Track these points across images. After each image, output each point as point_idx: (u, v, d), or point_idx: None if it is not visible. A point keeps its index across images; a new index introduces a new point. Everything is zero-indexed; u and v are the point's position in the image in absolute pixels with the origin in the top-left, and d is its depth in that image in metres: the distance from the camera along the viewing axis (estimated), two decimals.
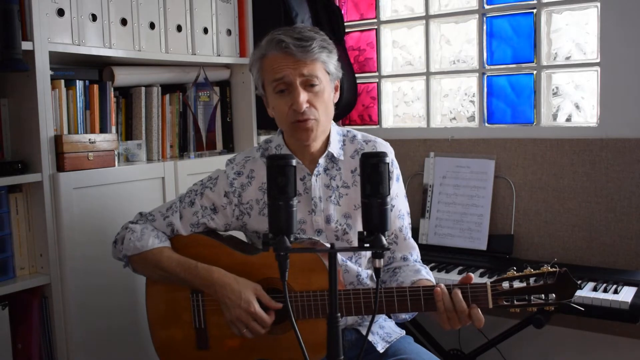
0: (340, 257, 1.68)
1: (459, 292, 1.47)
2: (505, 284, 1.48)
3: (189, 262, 1.65)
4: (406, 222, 1.78)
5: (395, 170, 1.78)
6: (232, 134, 2.79)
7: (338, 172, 1.72)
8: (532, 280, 1.46)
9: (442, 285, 1.49)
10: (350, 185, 1.72)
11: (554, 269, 1.45)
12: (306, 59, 1.59)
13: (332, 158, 1.72)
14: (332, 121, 1.75)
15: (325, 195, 1.71)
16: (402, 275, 1.68)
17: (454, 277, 2.37)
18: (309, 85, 1.61)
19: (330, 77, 1.66)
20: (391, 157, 1.77)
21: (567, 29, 2.66)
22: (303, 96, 1.59)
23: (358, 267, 1.72)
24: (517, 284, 1.47)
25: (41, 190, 1.94)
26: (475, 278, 2.33)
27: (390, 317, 1.81)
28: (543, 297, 1.46)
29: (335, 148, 1.72)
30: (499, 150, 2.70)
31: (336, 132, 1.75)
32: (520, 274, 1.47)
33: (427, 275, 1.68)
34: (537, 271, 1.46)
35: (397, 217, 1.76)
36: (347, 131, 1.79)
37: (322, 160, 1.71)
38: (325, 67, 1.64)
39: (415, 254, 1.78)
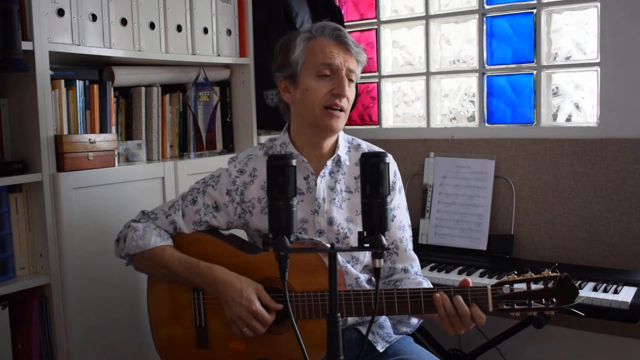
0: (340, 259, 1.69)
1: (460, 297, 1.47)
2: (506, 288, 1.48)
3: (191, 260, 1.66)
4: (407, 234, 1.78)
5: (398, 182, 1.79)
6: (232, 134, 2.79)
7: (343, 176, 1.73)
8: (532, 284, 1.46)
9: (442, 292, 1.49)
10: (353, 191, 1.73)
11: (554, 274, 1.45)
12: (353, 54, 1.66)
13: (338, 162, 1.73)
14: None
15: (329, 198, 1.71)
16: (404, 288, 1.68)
17: (454, 277, 2.37)
18: (349, 79, 1.66)
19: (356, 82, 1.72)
20: (394, 168, 1.79)
21: (567, 29, 2.66)
22: (347, 85, 1.64)
23: (357, 271, 1.72)
24: (517, 288, 1.47)
25: (41, 190, 1.94)
26: (475, 278, 2.34)
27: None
28: (543, 302, 1.45)
29: (342, 152, 1.74)
30: (499, 150, 2.70)
31: (343, 138, 1.77)
32: (521, 277, 1.47)
33: (429, 286, 1.68)
34: (538, 275, 1.45)
35: (397, 228, 1.76)
36: (352, 139, 1.81)
37: (329, 163, 1.72)
38: (358, 70, 1.70)
39: (416, 266, 1.78)
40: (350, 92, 1.67)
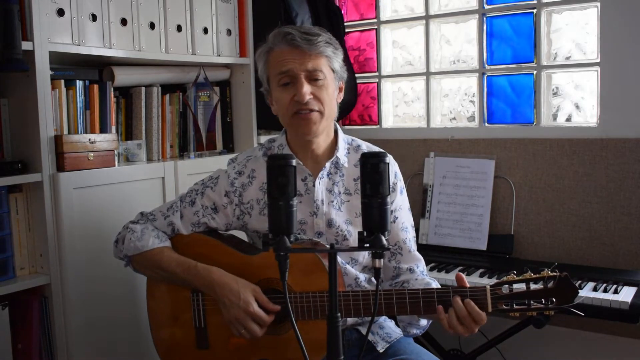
0: (339, 259, 1.68)
1: (458, 299, 1.47)
2: (505, 288, 1.48)
3: (189, 262, 1.65)
4: (410, 235, 1.77)
5: (399, 183, 1.78)
6: (232, 134, 2.79)
7: (341, 178, 1.73)
8: (532, 284, 1.46)
9: (440, 308, 1.49)
10: (352, 193, 1.72)
11: (554, 273, 1.44)
12: (312, 52, 1.61)
13: (336, 164, 1.72)
14: (339, 126, 1.76)
15: (328, 200, 1.71)
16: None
17: (454, 277, 2.37)
18: (313, 79, 1.62)
19: (335, 76, 1.67)
20: (395, 169, 1.78)
21: (567, 29, 2.66)
22: (306, 87, 1.60)
23: (356, 272, 1.72)
24: (516, 288, 1.47)
25: (41, 190, 1.94)
26: (475, 278, 2.34)
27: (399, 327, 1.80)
28: (543, 302, 1.45)
29: (341, 154, 1.73)
30: (499, 150, 2.70)
31: (343, 139, 1.76)
32: (520, 277, 1.46)
33: (436, 287, 1.67)
34: (537, 275, 1.45)
35: (400, 229, 1.75)
36: (352, 140, 1.80)
37: (328, 164, 1.71)
38: (330, 64, 1.65)
39: (422, 265, 1.77)
40: (322, 90, 1.63)
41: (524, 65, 2.72)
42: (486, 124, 2.83)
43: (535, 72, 2.69)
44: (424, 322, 1.71)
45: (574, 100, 2.69)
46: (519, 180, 2.67)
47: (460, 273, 1.53)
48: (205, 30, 2.53)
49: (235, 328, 1.58)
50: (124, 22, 2.21)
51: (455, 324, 1.48)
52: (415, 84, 3.08)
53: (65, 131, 2.06)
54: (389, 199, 1.19)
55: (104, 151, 2.11)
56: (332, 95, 1.67)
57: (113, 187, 2.13)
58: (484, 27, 2.79)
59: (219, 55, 2.60)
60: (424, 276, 1.75)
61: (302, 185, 1.70)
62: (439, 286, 1.69)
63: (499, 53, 2.79)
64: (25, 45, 1.87)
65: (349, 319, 1.68)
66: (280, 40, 1.63)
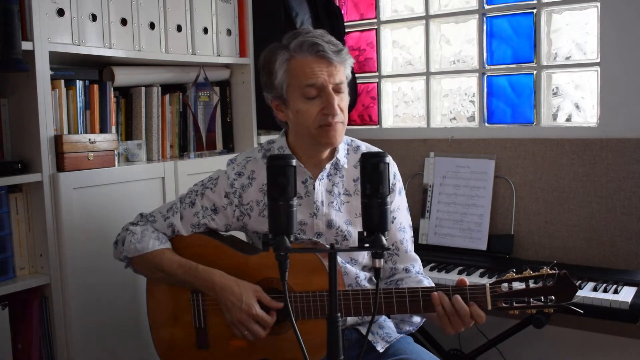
0: (339, 259, 1.68)
1: (459, 297, 1.47)
2: (504, 286, 1.48)
3: (190, 264, 1.65)
4: (407, 235, 1.78)
5: (398, 183, 1.78)
6: (232, 134, 2.79)
7: (341, 179, 1.73)
8: (531, 282, 1.46)
9: (440, 291, 1.49)
10: (351, 194, 1.72)
11: (553, 271, 1.45)
12: (337, 64, 1.60)
13: (336, 165, 1.72)
14: None
15: (328, 201, 1.71)
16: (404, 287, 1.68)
17: (454, 277, 2.37)
18: (337, 90, 1.61)
19: (347, 82, 1.68)
20: (394, 170, 1.78)
21: (567, 29, 2.66)
22: (337, 100, 1.60)
23: (357, 270, 1.72)
24: (516, 286, 1.47)
25: (41, 190, 1.94)
26: (475, 278, 2.34)
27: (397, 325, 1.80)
28: (542, 300, 1.45)
29: (341, 156, 1.73)
30: (499, 150, 2.70)
31: (342, 140, 1.75)
32: (520, 275, 1.47)
33: (430, 285, 1.68)
34: (537, 273, 1.45)
35: (397, 229, 1.75)
36: (352, 140, 1.80)
37: (328, 166, 1.71)
38: (346, 72, 1.66)
39: (418, 265, 1.78)
40: (343, 101, 1.63)
41: (524, 65, 2.72)
42: (486, 124, 2.83)
43: (535, 72, 2.69)
44: (417, 319, 1.72)
45: (574, 100, 2.69)
46: (519, 180, 2.67)
47: (463, 278, 1.53)
48: (205, 30, 2.53)
49: (238, 330, 1.58)
50: (124, 22, 2.21)
51: (456, 322, 1.48)
52: (415, 84, 3.08)
53: (65, 131, 2.06)
54: (388, 199, 1.19)
55: (104, 151, 2.11)
56: (347, 102, 1.67)
57: (113, 187, 2.13)
58: (484, 27, 2.79)
59: (219, 55, 2.60)
60: (417, 275, 1.75)
61: (302, 188, 1.70)
62: (433, 284, 1.69)
63: (499, 53, 2.79)
64: (25, 45, 1.87)
65: (349, 319, 1.69)
66: (306, 49, 1.59)
